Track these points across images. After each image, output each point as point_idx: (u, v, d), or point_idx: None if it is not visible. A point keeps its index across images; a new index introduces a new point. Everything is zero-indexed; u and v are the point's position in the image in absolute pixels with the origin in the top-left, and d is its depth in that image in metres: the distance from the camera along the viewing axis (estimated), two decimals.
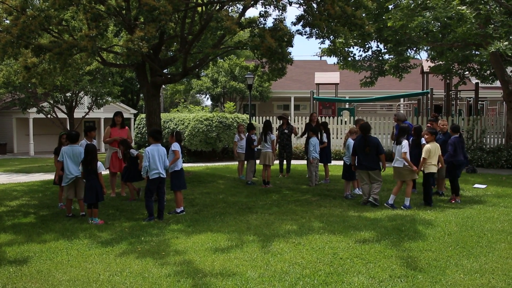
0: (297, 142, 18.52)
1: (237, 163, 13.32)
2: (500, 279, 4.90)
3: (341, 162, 11.19)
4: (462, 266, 5.30)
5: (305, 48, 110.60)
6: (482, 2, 12.44)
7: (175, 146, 8.31)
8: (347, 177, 9.76)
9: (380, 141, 9.00)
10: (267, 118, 17.88)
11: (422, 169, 8.68)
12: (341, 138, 17.89)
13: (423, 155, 8.59)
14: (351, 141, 9.74)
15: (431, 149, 8.60)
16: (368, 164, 8.77)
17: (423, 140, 9.21)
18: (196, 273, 5.15)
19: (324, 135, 12.01)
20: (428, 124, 10.55)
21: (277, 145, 12.98)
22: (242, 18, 11.62)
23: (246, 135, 12.08)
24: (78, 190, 8.19)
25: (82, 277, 5.13)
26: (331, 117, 19.14)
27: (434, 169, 8.69)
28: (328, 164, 12.10)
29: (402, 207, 8.42)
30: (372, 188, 8.90)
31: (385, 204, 8.62)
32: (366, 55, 18.71)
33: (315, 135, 11.27)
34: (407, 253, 5.77)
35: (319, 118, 17.97)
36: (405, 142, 8.55)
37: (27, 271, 5.40)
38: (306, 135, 12.39)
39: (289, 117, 16.47)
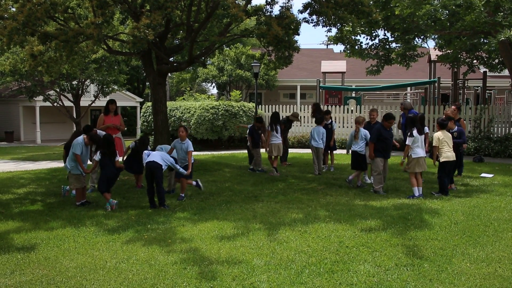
0: (303, 131, 18.48)
1: (243, 151, 13.22)
2: (506, 268, 4.88)
3: (345, 151, 11.18)
4: (468, 255, 5.29)
5: (311, 36, 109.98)
6: None
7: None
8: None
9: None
10: (274, 108, 17.93)
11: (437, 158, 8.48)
12: (347, 127, 17.83)
13: (433, 143, 8.43)
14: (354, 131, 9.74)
15: (439, 137, 8.43)
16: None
17: (426, 129, 9.15)
18: (202, 261, 5.18)
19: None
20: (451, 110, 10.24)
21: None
22: (249, 5, 11.52)
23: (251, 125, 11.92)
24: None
25: (89, 264, 5.17)
26: (337, 106, 19.05)
27: (450, 157, 8.47)
28: (334, 152, 12.10)
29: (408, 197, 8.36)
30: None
31: (410, 198, 8.35)
32: (373, 43, 18.53)
33: (319, 124, 11.26)
34: (413, 241, 5.77)
35: (324, 107, 17.96)
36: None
37: (35, 257, 5.46)
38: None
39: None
